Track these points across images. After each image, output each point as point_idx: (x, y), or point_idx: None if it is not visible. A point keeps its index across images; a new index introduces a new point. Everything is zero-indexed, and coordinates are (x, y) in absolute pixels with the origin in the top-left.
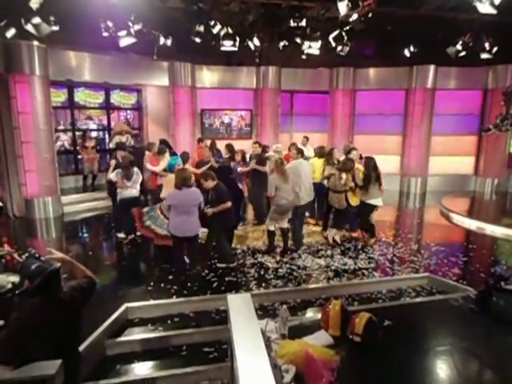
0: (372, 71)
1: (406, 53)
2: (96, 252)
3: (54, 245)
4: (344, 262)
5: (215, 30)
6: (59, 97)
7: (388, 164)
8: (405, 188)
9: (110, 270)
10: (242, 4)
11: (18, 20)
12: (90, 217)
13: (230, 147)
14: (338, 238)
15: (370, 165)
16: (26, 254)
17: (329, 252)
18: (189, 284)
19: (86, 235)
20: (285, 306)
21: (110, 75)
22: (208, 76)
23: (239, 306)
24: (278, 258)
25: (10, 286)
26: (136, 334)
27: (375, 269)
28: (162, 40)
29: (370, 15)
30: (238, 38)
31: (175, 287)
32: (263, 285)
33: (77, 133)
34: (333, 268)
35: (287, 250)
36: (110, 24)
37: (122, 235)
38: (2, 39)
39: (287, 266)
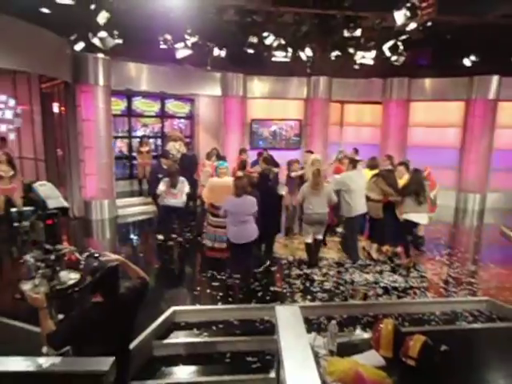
0: (428, 81)
1: (466, 62)
2: (146, 254)
3: (108, 245)
4: (394, 278)
5: (268, 42)
6: (119, 105)
7: (443, 178)
8: (461, 204)
9: (158, 272)
10: (295, 15)
11: (87, 34)
12: (142, 220)
13: (267, 160)
14: (373, 252)
15: (415, 177)
16: (87, 253)
17: (378, 267)
18: (234, 292)
19: (136, 237)
20: (334, 322)
21: (165, 85)
22: (259, 86)
23: (288, 319)
24: (325, 270)
25: (71, 282)
26: (182, 338)
27: (427, 288)
28: (215, 51)
29: (429, 24)
30: (290, 49)
31: (220, 294)
32: (308, 297)
33: (133, 139)
34: (381, 285)
35: (313, 264)
36: (168, 37)
37: (161, 237)
38: (71, 52)
39: (334, 279)
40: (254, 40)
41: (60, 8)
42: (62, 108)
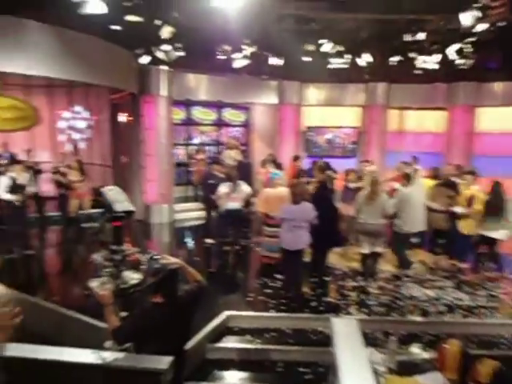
0: (498, 86)
1: None
2: (201, 258)
3: (166, 248)
4: (458, 296)
5: (325, 49)
6: (178, 114)
7: None
8: None
9: (212, 276)
10: (355, 22)
11: (151, 48)
12: (197, 225)
13: (321, 168)
14: (434, 265)
15: (495, 190)
16: (149, 255)
17: (439, 283)
18: (287, 300)
19: (192, 241)
20: (394, 338)
21: (222, 94)
22: (314, 93)
23: (344, 331)
24: (381, 283)
25: (133, 282)
26: (235, 343)
27: (497, 309)
28: (272, 60)
29: (501, 24)
30: (348, 55)
31: (273, 301)
32: (364, 310)
33: (191, 147)
34: (444, 301)
35: (369, 276)
36: (226, 48)
37: (210, 241)
38: (137, 65)
39: (391, 293)
40: (311, 47)
41: (128, 24)
42: (128, 118)
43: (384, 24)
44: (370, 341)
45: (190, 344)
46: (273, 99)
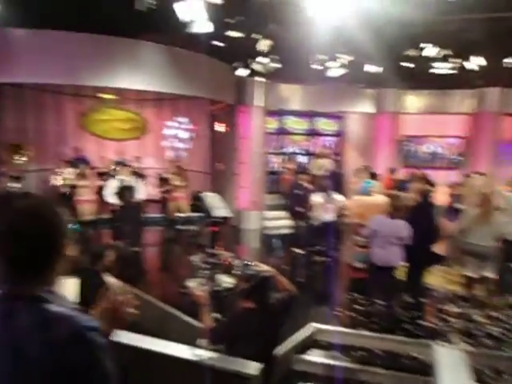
0: None
1: None
2: (289, 267)
3: (255, 254)
4: None
5: (429, 53)
6: (272, 124)
7: None
8: None
9: (301, 287)
10: (463, 22)
11: (249, 60)
12: (287, 233)
13: (421, 179)
14: None
15: None
16: (242, 261)
17: None
18: (378, 318)
19: (281, 250)
20: (507, 377)
21: (315, 104)
22: (414, 101)
23: (449, 362)
24: (490, 311)
25: (227, 285)
26: (321, 357)
27: None
28: (369, 67)
29: None
30: (455, 59)
31: (363, 318)
32: (467, 340)
33: (283, 156)
34: None
35: (476, 302)
36: (321, 57)
37: (299, 251)
38: (235, 77)
39: (503, 324)
40: (413, 53)
41: (228, 39)
42: (225, 127)
43: (496, 22)
44: (477, 377)
45: (277, 352)
46: (368, 107)
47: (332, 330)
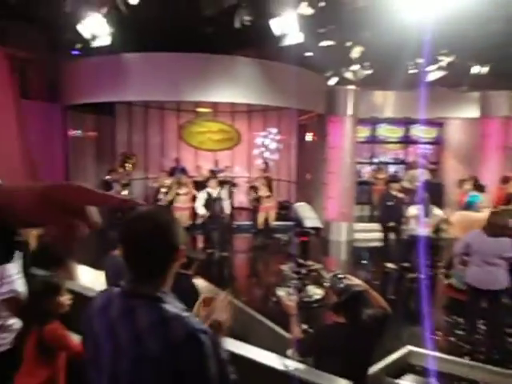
0: None
1: None
2: (380, 282)
3: (343, 267)
4: None
5: None
6: (363, 133)
7: None
8: None
9: (393, 304)
10: None
11: (340, 69)
12: (378, 246)
13: None
14: None
15: None
16: (332, 273)
17: None
18: (482, 347)
19: (371, 264)
20: None
21: (411, 110)
22: None
23: None
24: None
25: (316, 297)
26: (415, 383)
27: None
28: (474, 69)
29: None
30: None
31: (467, 346)
32: None
33: (373, 165)
34: None
35: None
36: (418, 61)
37: (391, 265)
38: (326, 86)
39: None
40: None
41: (318, 49)
42: (314, 137)
43: None
44: None
45: (368, 372)
46: (473, 112)
47: (429, 354)
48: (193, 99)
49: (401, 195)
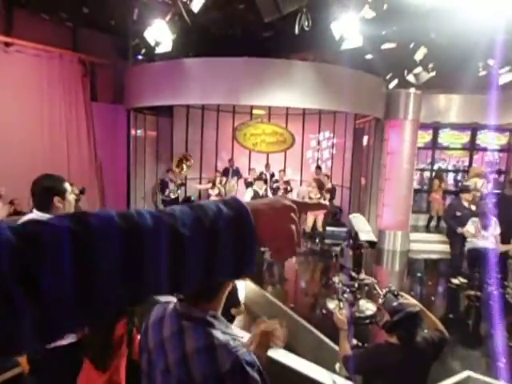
0: None
1: None
2: (437, 299)
3: (396, 278)
4: None
5: None
6: (424, 138)
7: None
8: None
9: (451, 323)
10: None
11: (401, 71)
12: (436, 259)
13: None
14: None
15: None
16: (387, 289)
17: None
18: None
19: (427, 277)
20: None
21: (479, 115)
22: None
23: None
24: None
25: (368, 312)
26: None
27: None
28: None
29: None
30: None
31: None
32: None
33: (433, 173)
34: None
35: None
36: (490, 62)
37: (456, 281)
38: (386, 90)
39: None
40: None
41: (379, 51)
42: (370, 141)
43: None
44: None
45: None
46: None
47: (490, 382)
48: (250, 103)
49: (472, 206)
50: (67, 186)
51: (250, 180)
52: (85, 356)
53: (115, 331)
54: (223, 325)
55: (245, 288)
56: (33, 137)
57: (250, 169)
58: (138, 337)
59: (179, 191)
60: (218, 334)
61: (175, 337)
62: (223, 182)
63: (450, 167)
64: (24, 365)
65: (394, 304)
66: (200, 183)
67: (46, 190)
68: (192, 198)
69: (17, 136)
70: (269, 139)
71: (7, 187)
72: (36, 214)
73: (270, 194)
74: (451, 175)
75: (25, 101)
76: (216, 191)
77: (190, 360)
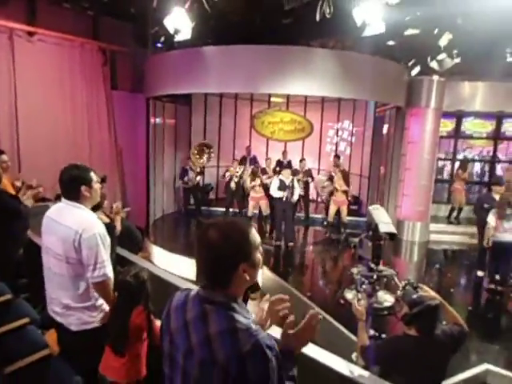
0: None
1: None
2: (457, 291)
3: (414, 269)
4: None
5: None
6: (446, 126)
7: None
8: None
9: (472, 317)
10: None
11: (424, 58)
12: (456, 251)
13: None
14: None
15: None
16: (405, 281)
17: None
18: None
19: (446, 269)
20: None
21: (506, 103)
22: None
23: None
24: None
25: (386, 304)
26: None
27: None
28: None
29: None
30: None
31: None
32: None
33: (456, 162)
34: None
35: None
36: None
37: (480, 273)
38: (408, 77)
39: None
40: None
41: (401, 38)
42: (391, 130)
43: None
44: None
45: None
46: None
47: (508, 376)
48: (268, 91)
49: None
50: (93, 175)
51: (268, 169)
52: (106, 341)
53: (131, 317)
54: (245, 310)
55: (261, 275)
56: (56, 126)
57: (266, 158)
58: (157, 323)
59: (198, 178)
60: (240, 317)
61: (199, 319)
62: (240, 171)
63: (476, 157)
64: (52, 346)
65: (414, 296)
66: (227, 172)
67: (73, 180)
68: (211, 186)
69: (40, 125)
70: (287, 127)
71: (31, 175)
72: (65, 203)
73: (296, 184)
74: (476, 165)
75: (47, 90)
76: (258, 181)
77: (213, 341)
